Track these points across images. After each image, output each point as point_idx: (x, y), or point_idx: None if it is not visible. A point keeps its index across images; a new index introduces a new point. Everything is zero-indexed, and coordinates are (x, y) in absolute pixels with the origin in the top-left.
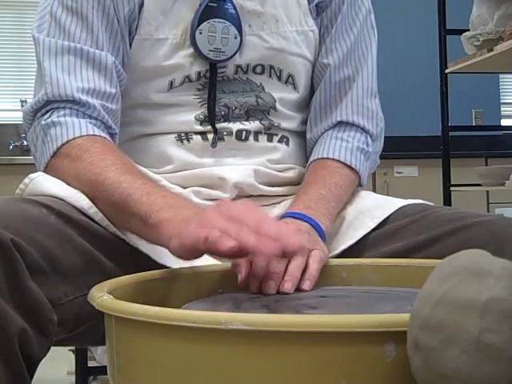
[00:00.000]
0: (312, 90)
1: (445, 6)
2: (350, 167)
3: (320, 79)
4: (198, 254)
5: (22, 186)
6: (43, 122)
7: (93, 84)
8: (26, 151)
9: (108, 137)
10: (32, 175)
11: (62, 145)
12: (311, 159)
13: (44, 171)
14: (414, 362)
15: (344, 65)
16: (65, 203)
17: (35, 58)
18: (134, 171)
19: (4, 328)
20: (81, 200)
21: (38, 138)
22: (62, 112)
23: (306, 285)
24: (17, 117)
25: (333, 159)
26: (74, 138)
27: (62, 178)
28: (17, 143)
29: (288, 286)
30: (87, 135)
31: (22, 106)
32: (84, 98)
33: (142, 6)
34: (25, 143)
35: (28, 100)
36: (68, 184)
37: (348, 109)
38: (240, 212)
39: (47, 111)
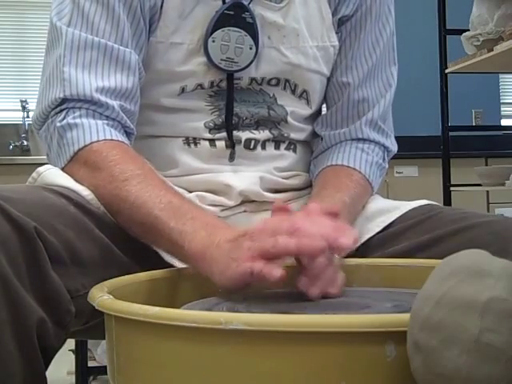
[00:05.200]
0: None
1: (445, 6)
2: (367, 180)
3: (338, 97)
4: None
5: (30, 179)
6: (58, 124)
7: (114, 83)
8: (26, 151)
9: (126, 140)
10: (40, 169)
11: (79, 149)
12: (330, 163)
13: (63, 170)
14: (413, 362)
15: (363, 85)
16: (79, 195)
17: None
18: (157, 184)
19: (24, 318)
20: (91, 197)
21: (53, 139)
22: (77, 113)
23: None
24: (17, 117)
25: (354, 169)
26: (91, 143)
27: (83, 183)
28: (17, 143)
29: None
30: (104, 140)
31: (22, 105)
32: (103, 98)
33: (162, 6)
34: (25, 143)
35: (28, 100)
36: (90, 189)
37: (367, 128)
38: (271, 225)
39: (62, 110)
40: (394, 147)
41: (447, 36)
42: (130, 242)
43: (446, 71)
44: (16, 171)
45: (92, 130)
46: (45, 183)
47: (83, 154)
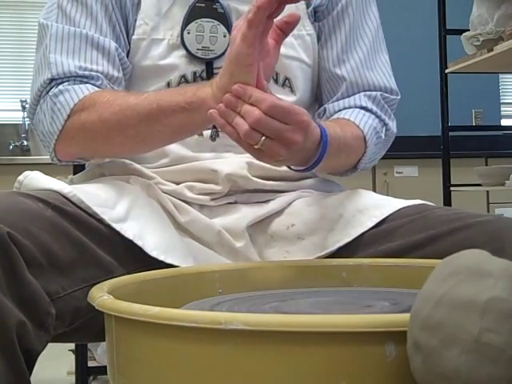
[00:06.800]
0: (314, 93)
1: (445, 6)
2: (364, 138)
3: (337, 88)
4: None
5: (16, 184)
6: (51, 93)
7: (95, 65)
8: (26, 151)
9: None
10: (19, 178)
11: (75, 104)
12: (335, 116)
13: (55, 144)
14: (413, 362)
15: (360, 77)
16: (60, 196)
17: (35, 50)
18: (149, 92)
19: (2, 320)
20: (72, 194)
21: (46, 112)
22: (66, 83)
23: None
24: (17, 117)
25: (353, 122)
26: (85, 96)
27: (82, 130)
28: (17, 143)
29: None
30: (95, 91)
31: (22, 105)
32: (87, 73)
33: (139, 4)
34: (25, 143)
35: (28, 100)
36: (90, 132)
37: (369, 101)
38: None
39: (51, 87)
40: (393, 128)
41: (447, 36)
42: (110, 242)
43: (446, 71)
44: (16, 171)
45: (83, 89)
46: (28, 190)
47: (78, 106)
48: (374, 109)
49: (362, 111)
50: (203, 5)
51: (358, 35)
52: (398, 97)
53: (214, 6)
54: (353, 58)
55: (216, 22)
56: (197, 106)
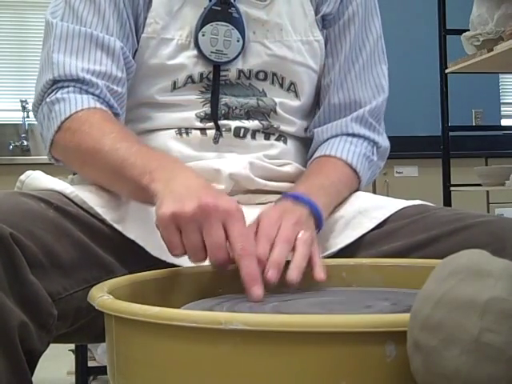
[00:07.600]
0: (317, 98)
1: (445, 6)
2: (354, 170)
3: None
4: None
5: (18, 183)
6: (48, 100)
7: (99, 66)
8: (26, 151)
9: (108, 111)
10: (21, 177)
11: (66, 119)
12: (317, 155)
13: (50, 149)
14: (413, 362)
15: (353, 86)
16: (62, 197)
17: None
18: (132, 139)
19: (4, 321)
20: (74, 194)
21: (45, 116)
22: (66, 89)
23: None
24: (17, 117)
25: (339, 158)
26: (76, 112)
27: (64, 150)
28: (17, 143)
29: (272, 274)
30: (88, 108)
31: (22, 105)
32: (88, 77)
33: (150, 3)
34: (25, 143)
35: (28, 100)
36: (69, 156)
37: (356, 124)
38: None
39: (53, 90)
40: (384, 143)
41: (447, 36)
42: (113, 243)
43: (446, 71)
44: (16, 171)
45: (77, 102)
46: (32, 184)
47: (68, 122)
48: (362, 132)
49: (349, 139)
50: (219, 8)
51: (357, 46)
52: (386, 95)
53: (230, 11)
54: (349, 70)
55: (230, 27)
56: (148, 196)
